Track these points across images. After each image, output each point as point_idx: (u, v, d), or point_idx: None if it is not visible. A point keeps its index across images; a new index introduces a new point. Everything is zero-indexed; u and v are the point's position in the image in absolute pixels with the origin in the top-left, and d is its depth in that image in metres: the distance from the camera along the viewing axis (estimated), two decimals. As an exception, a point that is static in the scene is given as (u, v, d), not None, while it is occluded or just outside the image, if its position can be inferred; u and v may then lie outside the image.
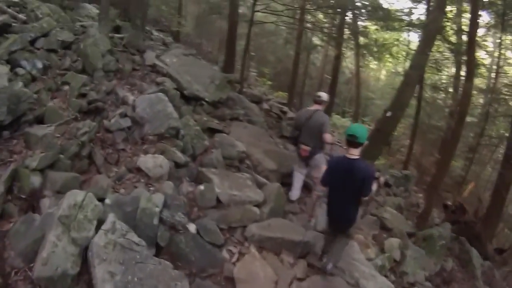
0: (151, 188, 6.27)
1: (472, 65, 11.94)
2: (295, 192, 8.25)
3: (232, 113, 10.08)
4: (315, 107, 7.82)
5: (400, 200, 11.52)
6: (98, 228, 4.60)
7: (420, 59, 12.34)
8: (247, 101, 11.64)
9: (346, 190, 5.27)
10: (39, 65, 7.55)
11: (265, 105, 13.35)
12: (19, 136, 6.13)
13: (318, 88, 23.43)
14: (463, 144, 18.22)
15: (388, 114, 11.97)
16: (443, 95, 22.33)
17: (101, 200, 5.16)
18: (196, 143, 7.92)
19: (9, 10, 8.78)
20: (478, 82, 18.18)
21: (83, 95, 7.45)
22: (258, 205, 7.04)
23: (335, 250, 6.07)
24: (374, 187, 5.38)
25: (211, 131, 8.84)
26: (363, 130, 5.23)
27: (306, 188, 9.01)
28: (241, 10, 15.26)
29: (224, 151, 8.15)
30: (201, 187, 6.70)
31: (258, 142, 9.38)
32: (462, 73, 17.24)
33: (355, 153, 5.19)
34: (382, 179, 5.77)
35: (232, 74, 12.61)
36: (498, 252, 12.50)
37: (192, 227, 5.80)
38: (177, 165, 7.06)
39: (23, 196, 5.27)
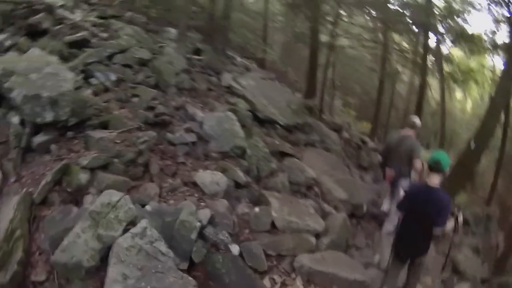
0: (201, 204, 5.79)
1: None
2: (389, 224, 7.34)
3: (307, 139, 9.47)
4: (407, 131, 7.25)
5: (479, 242, 10.18)
6: (128, 230, 4.41)
7: (506, 84, 11.01)
8: (326, 128, 10.99)
9: (421, 218, 4.86)
10: (113, 77, 7.60)
11: (345, 134, 12.54)
12: (80, 137, 6.08)
13: (403, 119, 22.24)
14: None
15: (472, 145, 10.79)
16: None
17: (144, 206, 5.03)
18: (263, 165, 7.35)
19: (92, 28, 9.00)
20: None
21: (151, 108, 7.35)
22: (317, 235, 6.31)
23: (412, 282, 5.46)
24: (451, 224, 4.94)
25: (282, 155, 8.26)
26: (446, 158, 4.86)
27: (375, 219, 8.17)
28: (324, 38, 14.59)
29: (292, 176, 7.54)
30: (257, 209, 6.09)
31: (332, 171, 8.68)
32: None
33: (436, 181, 4.81)
34: (461, 218, 5.02)
35: (311, 100, 11.98)
36: None
37: (235, 249, 5.23)
38: (238, 185, 6.54)
39: (69, 190, 5.24)
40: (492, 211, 12.91)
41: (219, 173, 6.38)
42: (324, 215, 6.97)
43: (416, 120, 7.42)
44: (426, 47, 16.61)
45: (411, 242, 5.10)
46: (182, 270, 4.42)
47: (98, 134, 6.01)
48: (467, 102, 28.08)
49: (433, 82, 21.36)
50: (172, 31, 11.68)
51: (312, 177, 7.71)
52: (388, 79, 18.27)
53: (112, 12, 10.92)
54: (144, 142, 6.19)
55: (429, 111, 22.05)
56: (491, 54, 17.67)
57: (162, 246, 4.39)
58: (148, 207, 4.99)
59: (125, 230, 4.39)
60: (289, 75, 18.72)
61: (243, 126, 7.81)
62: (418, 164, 6.92)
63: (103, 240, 4.24)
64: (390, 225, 7.22)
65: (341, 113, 19.66)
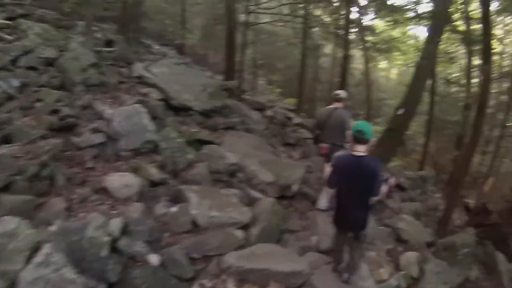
0: (113, 212, 5.10)
1: (489, 46, 10.31)
2: (322, 200, 7.43)
3: (227, 122, 8.79)
4: (335, 105, 7.34)
5: (417, 205, 9.99)
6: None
7: (430, 48, 11.07)
8: (247, 108, 10.37)
9: (355, 190, 4.71)
10: (16, 83, 6.97)
11: (269, 112, 12.02)
12: (-22, 157, 5.27)
13: (328, 92, 22.16)
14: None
15: (400, 111, 10.86)
16: (456, 89, 20.63)
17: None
18: (179, 157, 6.64)
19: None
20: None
21: (55, 111, 6.55)
22: (245, 227, 5.66)
23: (353, 262, 5.40)
24: (384, 189, 4.99)
25: (200, 143, 7.54)
26: (370, 127, 4.72)
27: (307, 198, 7.70)
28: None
29: (212, 164, 6.85)
30: (174, 208, 5.41)
31: (255, 152, 8.07)
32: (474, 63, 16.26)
33: (362, 150, 4.64)
34: (392, 180, 4.81)
35: (229, 81, 11.30)
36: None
37: (154, 259, 4.56)
38: (153, 183, 5.83)
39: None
40: (426, 174, 12.90)
41: (130, 174, 5.69)
42: (251, 202, 6.42)
43: (342, 93, 7.52)
44: (348, 19, 16.41)
45: (350, 216, 4.90)
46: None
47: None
48: (392, 71, 28.43)
49: (357, 54, 21.40)
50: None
51: (234, 162, 7.06)
52: (310, 54, 18.07)
53: (23, 11, 10.01)
54: (47, 152, 5.51)
55: (354, 82, 22.10)
56: (414, 24, 17.83)
57: (69, 273, 3.80)
58: (53, 227, 4.38)
59: (29, 260, 3.82)
60: (209, 59, 17.96)
61: (154, 117, 7.15)
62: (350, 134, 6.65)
63: (6, 276, 3.68)
64: (324, 200, 7.31)
65: (265, 92, 19.14)
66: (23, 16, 9.62)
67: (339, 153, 6.81)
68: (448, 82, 18.72)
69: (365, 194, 4.71)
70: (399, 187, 10.38)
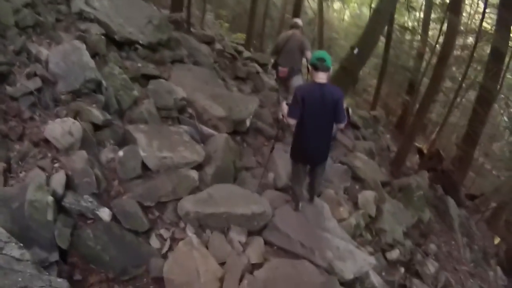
0: (55, 165, 4.50)
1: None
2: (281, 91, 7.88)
3: (174, 56, 8.10)
4: (292, 31, 7.55)
5: (371, 144, 9.90)
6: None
7: None
8: (196, 41, 9.70)
9: (318, 117, 4.60)
10: None
11: (218, 46, 11.38)
12: None
13: (279, 29, 21.62)
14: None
15: (355, 51, 10.74)
16: (409, 37, 21.18)
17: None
18: (123, 95, 6.03)
19: None
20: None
21: None
22: (198, 167, 5.29)
23: (316, 184, 5.50)
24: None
25: (147, 79, 6.91)
26: (328, 55, 4.68)
27: (260, 133, 7.44)
28: None
29: (160, 100, 6.30)
30: (120, 152, 4.89)
31: (205, 86, 7.50)
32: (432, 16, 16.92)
33: (324, 79, 4.58)
34: (350, 110, 4.66)
35: (176, 13, 10.52)
36: (469, 198, 11.82)
37: (105, 213, 4.12)
38: (96, 127, 5.24)
39: None
40: (378, 114, 12.88)
41: (70, 119, 5.00)
42: (204, 139, 6.09)
43: (298, 21, 7.80)
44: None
45: (312, 147, 4.80)
46: (51, 265, 3.47)
47: None
48: (345, 12, 28.12)
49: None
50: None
51: (183, 97, 6.55)
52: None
53: None
54: None
55: (307, 21, 21.55)
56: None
57: (15, 250, 3.14)
58: None
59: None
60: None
61: (95, 54, 6.46)
62: (309, 54, 7.08)
63: None
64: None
65: (213, 26, 18.29)
66: None
67: (297, 77, 7.41)
68: (405, 29, 18.65)
69: (328, 122, 4.65)
70: (352, 124, 10.23)
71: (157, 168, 4.89)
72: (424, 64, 15.48)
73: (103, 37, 7.14)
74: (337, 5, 28.00)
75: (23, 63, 5.87)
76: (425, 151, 12.49)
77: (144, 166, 4.87)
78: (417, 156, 12.84)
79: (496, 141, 18.85)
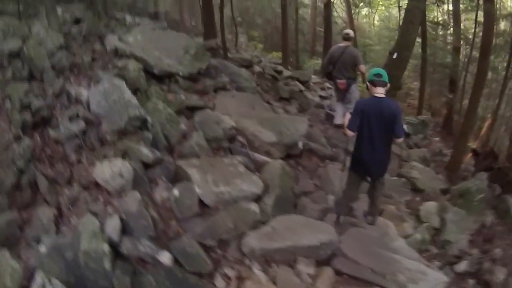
0: (109, 209, 4.29)
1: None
2: (338, 118, 8.11)
3: (216, 83, 7.87)
4: (345, 43, 7.92)
5: (424, 151, 9.39)
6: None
7: None
8: (235, 66, 9.49)
9: (377, 130, 4.61)
10: None
11: (257, 68, 11.16)
12: None
13: (312, 43, 21.29)
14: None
15: (394, 55, 10.20)
16: (442, 32, 20.04)
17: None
18: (170, 130, 5.83)
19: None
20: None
21: (27, 106, 5.49)
22: (258, 198, 4.99)
23: (376, 201, 5.33)
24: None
25: (192, 110, 6.71)
26: (384, 71, 4.72)
27: (314, 154, 7.10)
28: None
29: (208, 131, 6.04)
30: (175, 191, 4.65)
31: (251, 111, 7.27)
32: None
33: (382, 93, 4.63)
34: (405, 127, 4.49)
35: (210, 40, 10.36)
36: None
37: (165, 257, 3.86)
38: (147, 165, 5.00)
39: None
40: (426, 118, 12.26)
41: (119, 159, 4.82)
42: (258, 167, 5.79)
43: (350, 32, 8.17)
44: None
45: (372, 158, 4.76)
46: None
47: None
48: (374, 16, 27.73)
49: (337, 2, 20.52)
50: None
51: (231, 125, 6.29)
52: (290, 5, 17.02)
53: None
54: (21, 156, 4.62)
55: (338, 31, 21.12)
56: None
57: None
58: (42, 248, 3.68)
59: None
60: (185, 22, 16.86)
61: (136, 90, 6.31)
62: (362, 67, 7.83)
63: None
64: (339, 116, 8.08)
65: (248, 49, 18.11)
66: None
67: (354, 86, 7.93)
68: (437, 24, 17.88)
69: (387, 135, 4.65)
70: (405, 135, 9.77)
71: (215, 204, 4.64)
72: (462, 58, 14.84)
73: (142, 72, 6.99)
74: (365, 11, 27.70)
75: (64, 105, 5.83)
76: (478, 150, 11.80)
77: (201, 203, 4.63)
78: (471, 156, 12.15)
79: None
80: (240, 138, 6.38)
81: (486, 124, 13.59)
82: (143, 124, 5.64)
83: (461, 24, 16.77)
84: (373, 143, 4.66)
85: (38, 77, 6.24)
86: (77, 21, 8.90)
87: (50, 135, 5.23)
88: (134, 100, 5.74)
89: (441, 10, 18.69)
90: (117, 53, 7.66)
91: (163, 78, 7.38)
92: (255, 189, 4.97)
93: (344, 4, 20.35)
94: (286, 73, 11.99)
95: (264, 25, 22.26)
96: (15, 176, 4.41)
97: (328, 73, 8.23)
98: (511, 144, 11.63)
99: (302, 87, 11.09)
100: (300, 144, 6.81)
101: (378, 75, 4.64)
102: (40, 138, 5.13)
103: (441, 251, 6.18)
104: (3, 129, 5.08)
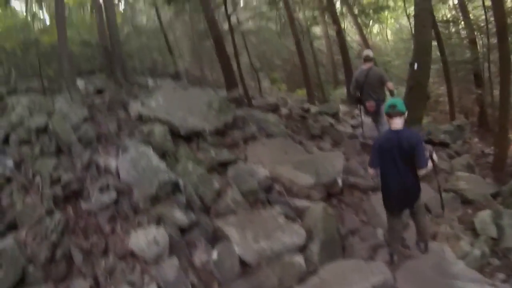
0: (146, 278, 4.17)
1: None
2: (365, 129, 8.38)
3: (244, 134, 7.75)
4: (367, 65, 7.84)
5: (467, 158, 8.86)
6: None
7: None
8: (261, 113, 9.40)
9: (400, 163, 4.45)
10: (10, 163, 5.96)
11: (284, 110, 11.00)
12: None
13: (333, 72, 21.05)
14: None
15: (415, 66, 9.70)
16: (454, 29, 18.73)
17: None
18: (203, 189, 5.67)
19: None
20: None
21: (57, 181, 5.52)
22: (302, 249, 4.70)
23: (421, 227, 5.00)
24: (430, 165, 4.53)
25: (224, 166, 6.55)
26: (400, 101, 4.67)
27: (355, 188, 6.69)
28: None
29: (243, 185, 5.83)
30: (214, 254, 4.47)
31: (285, 156, 7.04)
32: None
33: (399, 124, 4.51)
34: (435, 156, 4.67)
35: (233, 91, 10.34)
36: None
37: None
38: (182, 229, 4.86)
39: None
40: (461, 122, 11.65)
41: (153, 227, 4.71)
42: (299, 213, 5.49)
43: (370, 53, 8.13)
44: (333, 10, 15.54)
45: (400, 192, 4.59)
46: None
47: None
48: (386, 32, 27.44)
49: (348, 26, 20.38)
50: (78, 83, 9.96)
51: (266, 175, 6.09)
52: (304, 40, 17.04)
53: (8, 88, 9.10)
54: (54, 230, 4.58)
55: (355, 55, 20.88)
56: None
57: None
58: None
59: None
60: (206, 77, 17.04)
61: (164, 153, 6.26)
62: (390, 84, 7.64)
63: None
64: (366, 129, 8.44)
65: (272, 92, 17.95)
66: (10, 93, 8.71)
67: (382, 108, 7.00)
68: (447, 22, 17.25)
69: (409, 166, 4.45)
70: (442, 144, 9.32)
71: (257, 262, 4.39)
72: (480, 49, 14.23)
73: (168, 134, 6.97)
74: (376, 28, 27.39)
75: (94, 176, 5.84)
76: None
77: (242, 262, 4.39)
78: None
79: None
80: (277, 187, 6.16)
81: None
82: (175, 188, 5.53)
83: (470, 15, 16.03)
84: (397, 177, 4.53)
85: (65, 151, 6.35)
86: (99, 92, 9.30)
87: (82, 207, 5.22)
88: (162, 165, 5.72)
89: (448, 7, 18.01)
90: (142, 119, 7.69)
91: (191, 137, 7.32)
92: (298, 239, 4.70)
93: (355, 27, 20.07)
94: (314, 109, 11.76)
95: (284, 65, 22.24)
96: (49, 249, 4.37)
97: (356, 99, 8.17)
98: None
99: (332, 120, 10.84)
100: (339, 181, 6.44)
101: (393, 106, 4.52)
102: (72, 211, 5.13)
103: (504, 261, 5.67)
104: (35, 204, 5.13)
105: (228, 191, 5.72)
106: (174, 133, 7.16)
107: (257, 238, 4.55)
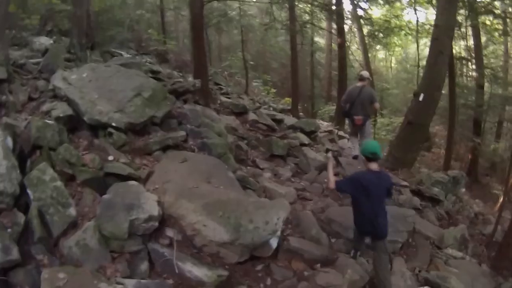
0: None
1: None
2: (355, 150, 7.68)
3: (166, 139, 5.25)
4: (361, 83, 7.65)
5: (463, 229, 6.19)
6: None
7: (448, 13, 7.86)
8: (214, 114, 6.99)
9: (375, 199, 4.28)
10: None
11: (252, 116, 8.59)
12: None
13: (327, 87, 18.84)
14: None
15: (421, 97, 7.88)
16: (464, 69, 16.98)
17: None
18: (54, 214, 3.40)
19: None
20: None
21: None
22: None
23: (381, 274, 4.20)
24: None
25: (115, 179, 4.13)
26: (378, 145, 4.53)
27: (296, 256, 4.24)
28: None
29: (108, 224, 3.38)
30: None
31: (203, 186, 4.32)
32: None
33: (376, 167, 4.38)
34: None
35: (188, 81, 7.83)
36: None
37: None
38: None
39: None
40: (457, 174, 8.92)
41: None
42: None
43: (366, 74, 7.87)
44: (340, 10, 13.66)
45: (372, 220, 4.22)
46: None
47: None
48: (390, 59, 25.69)
49: (352, 46, 18.16)
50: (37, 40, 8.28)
51: (153, 215, 3.52)
52: (303, 48, 15.32)
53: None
54: None
55: (355, 76, 18.57)
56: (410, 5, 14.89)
57: None
58: None
59: None
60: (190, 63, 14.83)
61: (36, 148, 4.16)
62: (377, 105, 7.88)
63: None
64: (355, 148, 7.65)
65: (259, 93, 15.59)
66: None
67: (368, 122, 7.65)
68: (461, 59, 14.71)
69: (382, 202, 4.38)
70: (432, 199, 6.87)
71: None
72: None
73: (66, 120, 4.91)
74: (381, 54, 25.96)
75: None
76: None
77: None
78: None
79: None
80: (170, 233, 3.66)
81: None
82: (16, 202, 3.42)
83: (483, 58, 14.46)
84: (371, 208, 4.26)
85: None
86: (44, 53, 7.47)
87: None
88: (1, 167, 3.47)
89: (463, 45, 15.83)
90: (55, 92, 5.65)
91: (97, 128, 5.02)
92: None
93: (361, 47, 17.68)
94: (289, 121, 9.22)
95: (280, 69, 20.08)
96: None
97: (345, 112, 7.89)
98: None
99: (306, 140, 8.24)
100: (274, 243, 3.96)
101: (374, 153, 4.39)
102: None
103: None
104: None
105: (86, 227, 3.33)
106: (78, 119, 4.98)
107: None
